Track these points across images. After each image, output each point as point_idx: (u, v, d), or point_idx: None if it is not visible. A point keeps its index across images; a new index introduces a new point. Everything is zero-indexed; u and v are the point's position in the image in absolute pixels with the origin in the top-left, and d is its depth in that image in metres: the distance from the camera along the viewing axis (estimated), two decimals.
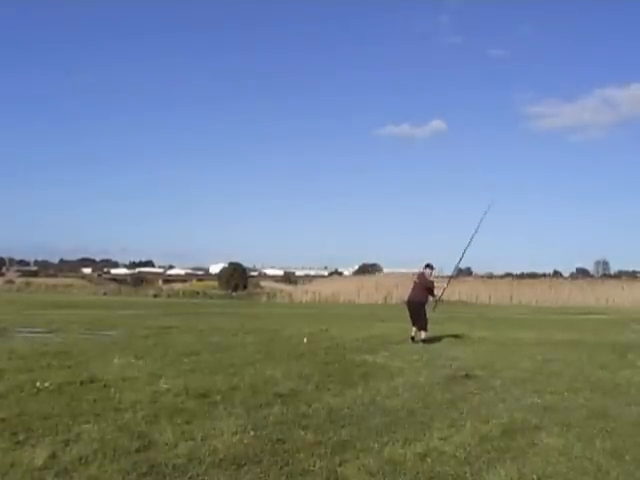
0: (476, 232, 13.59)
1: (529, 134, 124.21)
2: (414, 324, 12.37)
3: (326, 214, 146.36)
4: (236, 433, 4.71)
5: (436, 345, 11.83)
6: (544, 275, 74.22)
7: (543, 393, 6.75)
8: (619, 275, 79.38)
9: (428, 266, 12.82)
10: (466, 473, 3.98)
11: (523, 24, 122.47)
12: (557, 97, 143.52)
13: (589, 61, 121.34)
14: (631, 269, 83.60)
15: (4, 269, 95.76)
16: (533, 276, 70.51)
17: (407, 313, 12.69)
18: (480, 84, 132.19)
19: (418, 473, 3.97)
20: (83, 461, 4.00)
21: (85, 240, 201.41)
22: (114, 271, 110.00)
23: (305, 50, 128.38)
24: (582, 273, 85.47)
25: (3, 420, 4.96)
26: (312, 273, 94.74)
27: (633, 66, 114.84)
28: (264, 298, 54.58)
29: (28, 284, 67.23)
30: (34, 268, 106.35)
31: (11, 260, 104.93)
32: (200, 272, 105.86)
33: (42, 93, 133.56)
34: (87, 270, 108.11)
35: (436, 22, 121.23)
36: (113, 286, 73.33)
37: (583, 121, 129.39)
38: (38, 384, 6.35)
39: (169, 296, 56.79)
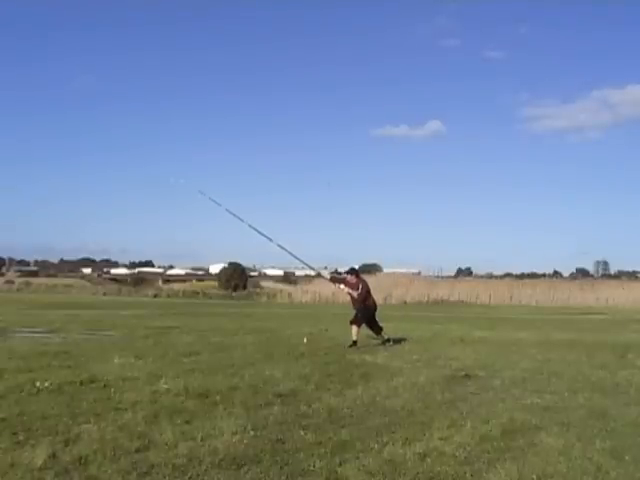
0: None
1: (527, 135, 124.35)
2: (357, 327, 11.29)
3: (326, 214, 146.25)
4: (236, 433, 4.71)
5: (436, 345, 11.83)
6: (544, 275, 74.38)
7: (543, 393, 6.75)
8: (619, 275, 79.48)
9: (353, 271, 11.80)
10: (466, 473, 3.98)
11: (520, 26, 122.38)
12: (555, 98, 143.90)
13: (587, 62, 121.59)
14: (631, 269, 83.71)
15: (4, 269, 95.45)
16: (533, 276, 70.58)
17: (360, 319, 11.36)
18: (478, 85, 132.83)
19: (418, 473, 3.97)
20: (83, 461, 3.99)
21: (85, 240, 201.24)
22: (114, 271, 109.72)
23: (304, 51, 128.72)
24: (582, 273, 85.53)
25: (3, 420, 4.96)
26: (312, 273, 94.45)
27: (631, 67, 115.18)
28: (264, 298, 54.56)
29: (28, 284, 67.04)
30: (34, 268, 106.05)
31: (11, 260, 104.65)
32: (200, 272, 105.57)
33: (42, 93, 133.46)
34: (87, 270, 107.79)
35: (434, 24, 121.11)
36: (113, 286, 73.17)
37: (581, 122, 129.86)
38: (38, 384, 6.35)
39: (169, 296, 56.75)
